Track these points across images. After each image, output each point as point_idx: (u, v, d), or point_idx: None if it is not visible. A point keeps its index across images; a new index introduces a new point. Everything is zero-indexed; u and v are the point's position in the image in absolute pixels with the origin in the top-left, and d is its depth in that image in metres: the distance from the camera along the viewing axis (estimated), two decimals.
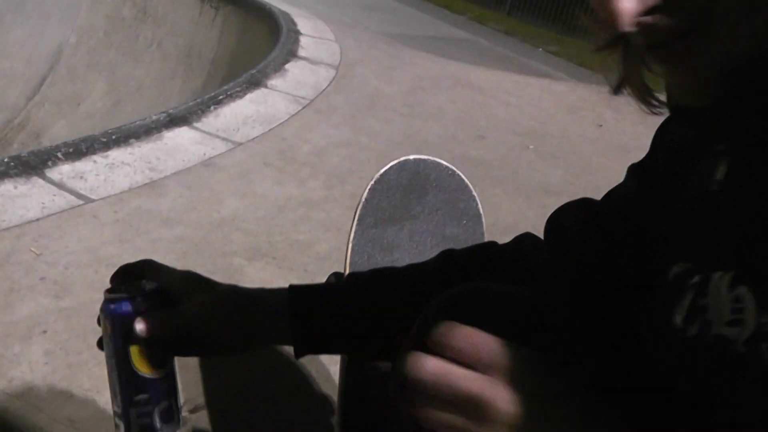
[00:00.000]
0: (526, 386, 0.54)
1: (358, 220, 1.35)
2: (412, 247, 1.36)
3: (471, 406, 0.53)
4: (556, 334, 0.69)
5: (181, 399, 0.79)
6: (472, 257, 0.90)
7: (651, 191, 0.72)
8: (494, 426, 0.53)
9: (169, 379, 0.77)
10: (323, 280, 1.38)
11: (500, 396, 0.53)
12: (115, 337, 0.75)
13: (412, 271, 0.89)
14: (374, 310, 0.85)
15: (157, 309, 0.76)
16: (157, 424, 0.75)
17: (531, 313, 0.72)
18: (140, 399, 0.75)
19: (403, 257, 1.35)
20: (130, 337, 0.74)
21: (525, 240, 0.90)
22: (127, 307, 0.74)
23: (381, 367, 1.19)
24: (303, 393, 1.77)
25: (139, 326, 0.73)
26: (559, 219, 0.85)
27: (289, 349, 0.83)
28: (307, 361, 1.85)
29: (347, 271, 1.30)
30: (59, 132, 6.14)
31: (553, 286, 0.82)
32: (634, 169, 0.80)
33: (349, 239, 1.34)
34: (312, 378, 1.81)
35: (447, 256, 0.90)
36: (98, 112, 6.38)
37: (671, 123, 0.72)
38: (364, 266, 1.31)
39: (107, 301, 0.75)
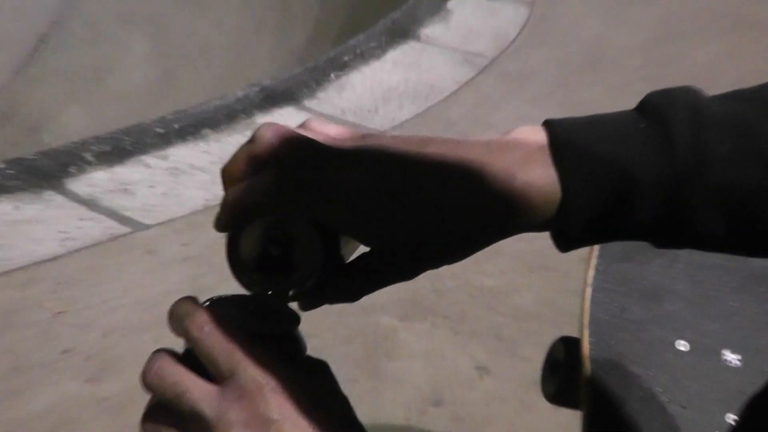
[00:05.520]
0: (265, 405, 0.46)
1: (600, 249, 0.96)
2: (696, 291, 0.93)
3: (195, 423, 0.47)
4: None
5: None
6: None
7: None
8: None
9: None
10: (531, 350, 1.19)
11: (228, 419, 0.46)
12: None
13: None
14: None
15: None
16: None
17: None
18: None
19: (680, 310, 0.90)
20: None
21: None
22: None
23: None
24: None
25: None
26: None
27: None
28: None
29: (585, 336, 0.88)
30: (72, 123, 4.34)
31: None
32: None
33: (585, 283, 0.93)
34: None
35: None
36: (136, 89, 4.59)
37: None
38: (615, 326, 0.89)
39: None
